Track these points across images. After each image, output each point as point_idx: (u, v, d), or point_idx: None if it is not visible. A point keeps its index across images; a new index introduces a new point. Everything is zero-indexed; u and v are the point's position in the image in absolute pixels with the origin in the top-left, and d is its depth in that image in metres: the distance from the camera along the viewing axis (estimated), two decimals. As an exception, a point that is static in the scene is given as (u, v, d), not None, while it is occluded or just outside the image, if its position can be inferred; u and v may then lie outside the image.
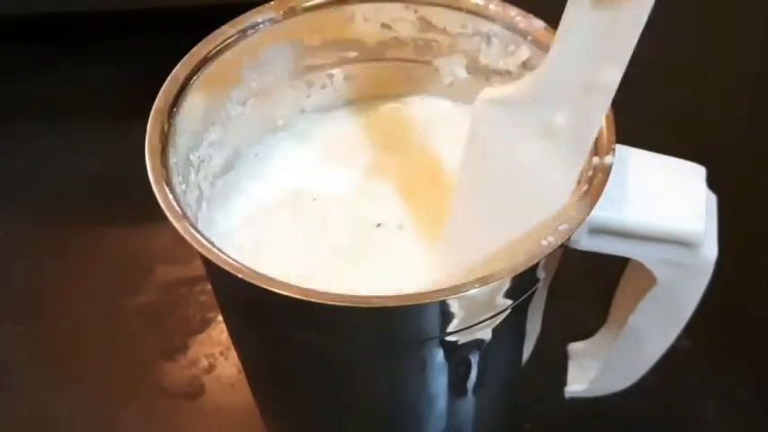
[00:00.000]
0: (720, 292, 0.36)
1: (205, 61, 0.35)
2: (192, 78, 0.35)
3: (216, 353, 0.48)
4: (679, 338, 0.38)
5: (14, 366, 0.48)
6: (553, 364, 0.42)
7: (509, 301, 0.31)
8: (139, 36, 0.61)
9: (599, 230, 0.32)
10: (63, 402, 0.46)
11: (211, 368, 0.47)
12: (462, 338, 0.31)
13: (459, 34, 0.38)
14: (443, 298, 0.29)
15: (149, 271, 0.51)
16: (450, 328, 0.31)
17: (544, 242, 0.29)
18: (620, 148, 0.32)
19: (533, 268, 0.29)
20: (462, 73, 0.39)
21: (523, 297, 0.32)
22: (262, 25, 0.36)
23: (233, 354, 0.47)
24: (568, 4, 0.28)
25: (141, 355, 0.48)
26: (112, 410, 0.46)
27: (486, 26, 0.37)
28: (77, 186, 0.55)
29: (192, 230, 0.29)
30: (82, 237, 0.53)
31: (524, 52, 0.36)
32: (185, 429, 0.46)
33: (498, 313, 0.31)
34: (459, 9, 0.37)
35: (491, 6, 0.36)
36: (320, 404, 0.37)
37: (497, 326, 0.32)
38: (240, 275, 0.28)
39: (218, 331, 0.48)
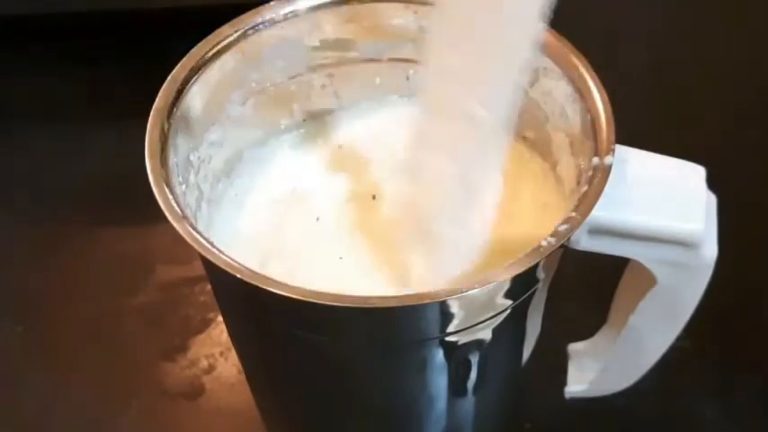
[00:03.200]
0: (720, 292, 0.36)
1: (205, 61, 0.35)
2: (191, 78, 0.35)
3: (216, 353, 0.48)
4: (679, 338, 0.38)
5: (14, 366, 0.48)
6: (553, 364, 0.42)
7: (509, 302, 0.31)
8: (139, 36, 0.61)
9: (599, 231, 0.32)
10: (63, 402, 0.46)
11: (211, 368, 0.47)
12: (462, 339, 0.31)
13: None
14: (443, 298, 0.29)
15: (149, 271, 0.51)
16: (451, 329, 0.31)
17: (544, 242, 0.29)
18: (619, 148, 0.32)
19: (533, 268, 0.29)
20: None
21: (523, 297, 0.32)
22: (262, 25, 0.36)
23: (233, 354, 0.47)
24: None
25: (141, 355, 0.48)
26: (112, 410, 0.46)
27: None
28: (77, 186, 0.55)
29: (192, 231, 0.29)
30: (82, 237, 0.53)
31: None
32: (185, 429, 0.46)
33: (498, 314, 0.31)
34: (460, 9, 0.37)
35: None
36: (320, 404, 0.37)
37: (497, 326, 0.32)
38: (239, 276, 0.28)
39: (219, 331, 0.48)
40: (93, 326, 0.49)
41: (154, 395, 0.47)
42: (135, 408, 0.46)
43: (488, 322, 0.31)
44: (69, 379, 0.47)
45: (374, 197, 0.37)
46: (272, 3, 0.37)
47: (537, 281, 0.32)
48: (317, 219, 0.37)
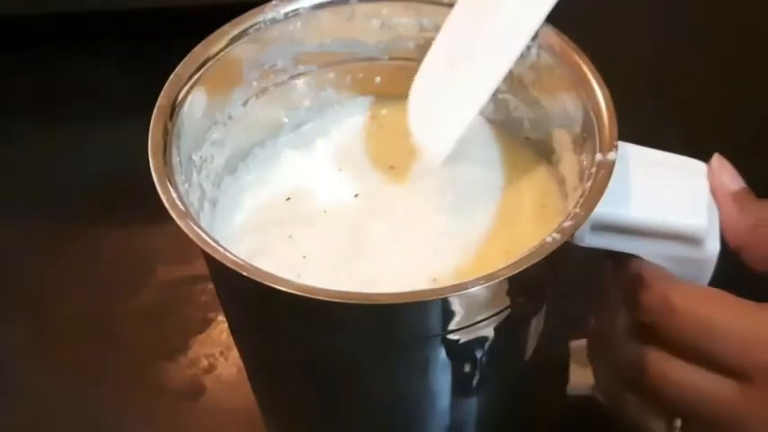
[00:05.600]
0: (723, 288, 0.35)
1: (206, 61, 0.35)
2: (193, 78, 0.35)
3: (216, 353, 0.48)
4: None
5: (14, 366, 0.48)
6: (554, 362, 0.42)
7: (513, 299, 0.31)
8: (140, 36, 0.61)
9: (602, 227, 0.32)
10: (63, 402, 0.46)
11: (211, 368, 0.47)
12: (465, 336, 0.31)
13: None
14: (446, 295, 0.29)
15: (150, 271, 0.51)
16: (453, 326, 0.31)
17: (548, 239, 0.29)
18: (622, 144, 0.32)
19: (537, 265, 0.29)
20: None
21: (527, 295, 0.32)
22: (262, 25, 0.37)
23: (233, 354, 0.47)
24: None
25: (141, 355, 0.48)
26: (113, 410, 0.46)
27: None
28: (77, 186, 0.55)
29: (196, 228, 0.30)
30: (82, 237, 0.53)
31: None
32: (185, 429, 0.46)
33: (501, 311, 0.31)
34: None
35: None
36: (321, 403, 0.37)
37: (500, 324, 0.32)
38: (245, 273, 0.28)
39: (219, 331, 0.48)
40: (93, 326, 0.49)
41: (154, 395, 0.46)
42: (135, 408, 0.46)
43: (491, 320, 0.31)
44: (69, 379, 0.47)
45: (356, 195, 0.37)
46: (273, 2, 0.37)
47: (541, 278, 0.32)
48: (316, 217, 0.37)
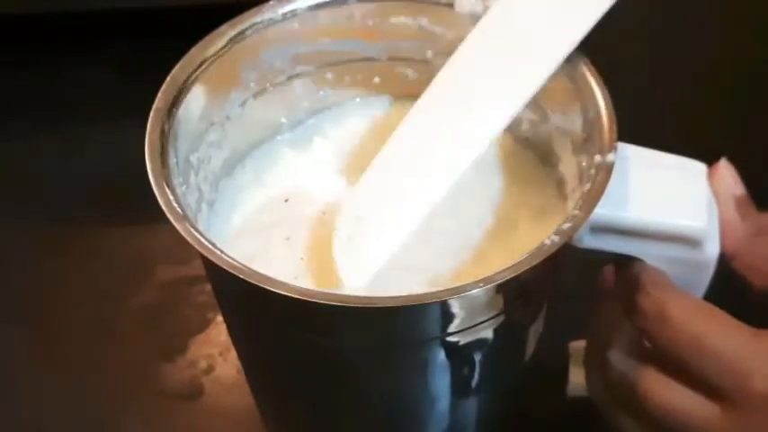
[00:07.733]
0: (723, 289, 0.35)
1: (204, 62, 0.35)
2: (191, 79, 0.35)
3: (215, 353, 0.48)
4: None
5: (14, 366, 0.48)
6: (554, 363, 0.42)
7: (512, 301, 0.31)
8: (139, 36, 0.61)
9: (601, 228, 0.32)
10: (63, 402, 0.46)
11: (210, 369, 0.47)
12: (464, 339, 0.31)
13: (460, 34, 0.38)
14: (445, 298, 0.29)
15: (149, 271, 0.51)
16: (452, 329, 0.31)
17: (547, 241, 0.29)
18: (621, 145, 0.32)
19: (536, 268, 0.29)
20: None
21: (526, 297, 0.32)
22: (261, 25, 0.36)
23: (232, 354, 0.47)
24: None
25: (141, 355, 0.48)
26: (112, 411, 0.46)
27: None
28: (77, 186, 0.55)
29: (193, 231, 0.29)
30: (82, 237, 0.53)
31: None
32: (185, 430, 0.46)
33: (500, 313, 0.31)
34: (460, 8, 0.37)
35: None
36: (320, 404, 0.37)
37: (499, 326, 0.32)
38: (242, 276, 0.28)
39: (218, 332, 0.48)
40: (92, 326, 0.49)
41: (153, 395, 0.46)
42: (134, 408, 0.46)
43: (490, 322, 0.31)
44: (69, 379, 0.47)
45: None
46: (270, 2, 0.37)
47: (540, 280, 0.32)
48: (314, 219, 0.37)
